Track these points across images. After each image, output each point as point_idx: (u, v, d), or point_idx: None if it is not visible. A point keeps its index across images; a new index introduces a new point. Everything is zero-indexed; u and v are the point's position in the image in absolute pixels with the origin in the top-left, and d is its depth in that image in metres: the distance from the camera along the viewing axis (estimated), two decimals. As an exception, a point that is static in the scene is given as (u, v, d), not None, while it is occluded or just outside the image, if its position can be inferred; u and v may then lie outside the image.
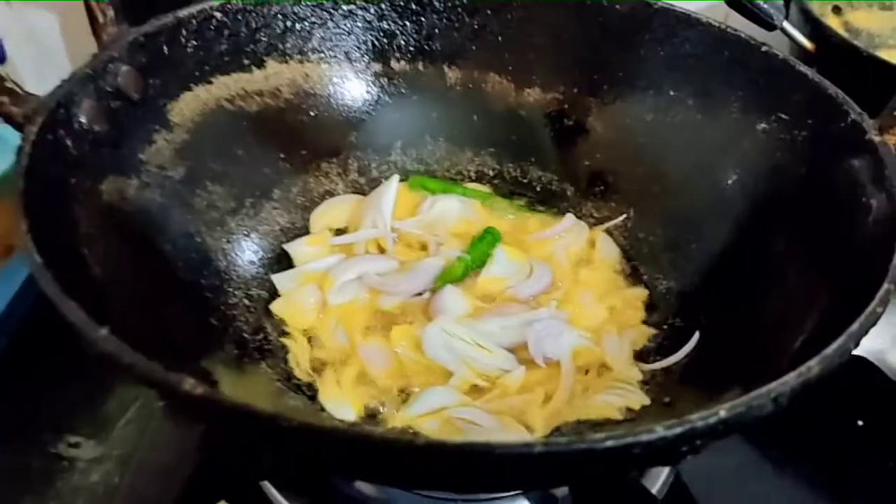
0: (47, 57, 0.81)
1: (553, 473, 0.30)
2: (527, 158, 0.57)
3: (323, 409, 0.42)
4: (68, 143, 0.41)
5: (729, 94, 0.50)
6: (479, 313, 0.46)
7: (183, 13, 0.49)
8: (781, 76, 0.48)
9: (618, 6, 0.54)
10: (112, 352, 0.29)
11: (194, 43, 0.50)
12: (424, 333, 0.44)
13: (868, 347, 0.52)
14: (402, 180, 0.55)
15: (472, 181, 0.57)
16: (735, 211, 0.47)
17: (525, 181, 0.57)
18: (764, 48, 0.49)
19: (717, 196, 0.49)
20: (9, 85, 0.40)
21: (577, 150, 0.56)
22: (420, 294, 0.48)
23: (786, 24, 0.55)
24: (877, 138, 0.41)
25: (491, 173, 0.58)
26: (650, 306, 0.49)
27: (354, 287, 0.48)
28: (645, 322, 0.48)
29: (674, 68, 0.52)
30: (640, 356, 0.46)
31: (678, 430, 0.28)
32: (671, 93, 0.52)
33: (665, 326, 0.48)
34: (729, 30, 0.50)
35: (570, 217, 0.54)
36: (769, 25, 0.55)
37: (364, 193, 0.55)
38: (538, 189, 0.57)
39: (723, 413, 0.28)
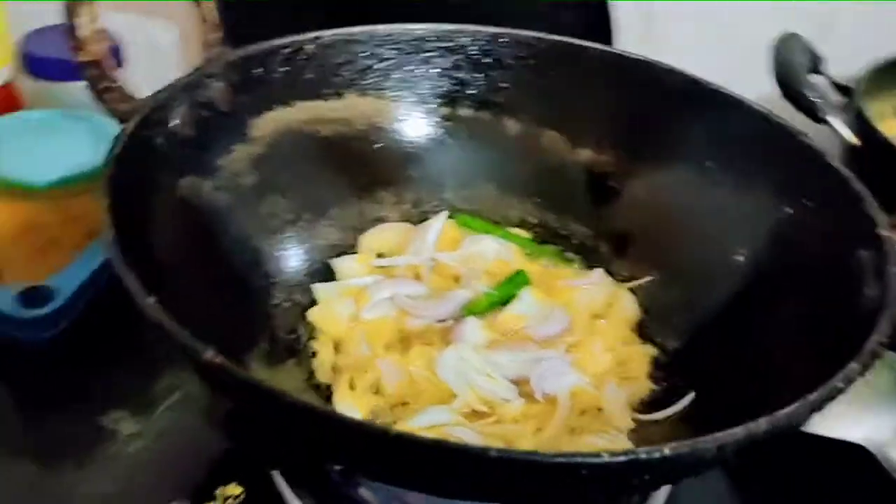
0: (163, 66, 0.90)
1: (510, 484, 0.34)
2: (568, 212, 0.61)
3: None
4: (158, 141, 0.48)
5: (764, 176, 0.53)
6: (493, 345, 0.50)
7: (278, 42, 0.56)
8: (814, 166, 0.51)
9: (675, 82, 0.58)
10: (155, 318, 0.35)
11: (284, 69, 0.56)
12: (441, 356, 0.48)
13: (871, 437, 0.53)
14: (449, 217, 0.60)
15: (515, 226, 0.61)
16: (746, 281, 0.50)
17: (564, 233, 0.61)
18: (803, 138, 0.52)
19: (734, 267, 0.52)
20: (117, 85, 0.46)
21: (615, 210, 0.60)
22: (444, 321, 0.52)
23: (830, 118, 0.58)
24: (884, 233, 0.44)
25: (533, 221, 0.62)
26: (656, 363, 0.52)
27: (386, 306, 0.52)
28: (649, 377, 0.51)
29: (717, 145, 0.56)
30: (637, 407, 0.49)
31: (622, 458, 0.31)
32: (709, 166, 0.55)
33: (665, 383, 0.50)
34: (774, 118, 0.54)
35: (598, 272, 0.57)
36: (816, 118, 0.57)
37: (414, 223, 0.60)
38: (574, 242, 0.61)
39: (667, 451, 0.31)
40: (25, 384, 0.56)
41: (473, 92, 0.62)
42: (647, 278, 0.57)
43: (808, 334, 0.44)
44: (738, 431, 0.33)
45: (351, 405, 0.46)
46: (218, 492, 0.49)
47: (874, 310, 0.40)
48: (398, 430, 0.31)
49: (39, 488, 0.49)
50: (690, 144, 0.57)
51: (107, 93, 0.46)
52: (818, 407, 0.35)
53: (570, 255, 0.60)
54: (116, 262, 0.36)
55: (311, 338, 0.51)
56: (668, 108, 0.58)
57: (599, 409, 0.48)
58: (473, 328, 0.51)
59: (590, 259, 0.60)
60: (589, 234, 0.61)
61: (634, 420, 0.48)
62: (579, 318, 0.53)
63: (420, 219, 0.61)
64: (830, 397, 0.35)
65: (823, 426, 0.50)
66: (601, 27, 0.78)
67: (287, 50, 0.56)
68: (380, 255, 0.57)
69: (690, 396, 0.48)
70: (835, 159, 0.49)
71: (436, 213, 0.61)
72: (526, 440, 0.45)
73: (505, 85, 0.62)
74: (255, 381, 0.32)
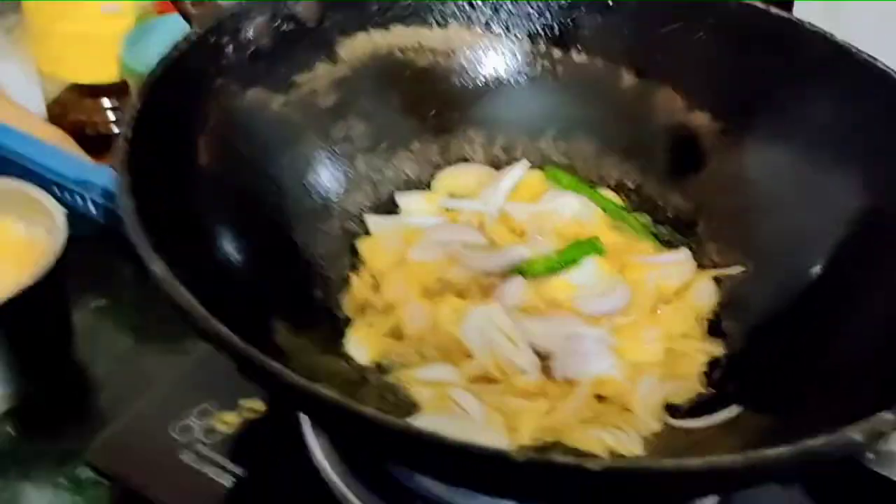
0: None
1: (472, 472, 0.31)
2: (671, 181, 0.55)
3: (342, 343, 0.45)
4: (228, 49, 0.47)
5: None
6: (532, 312, 0.46)
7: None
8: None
9: (820, 48, 0.50)
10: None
11: (382, -12, 0.54)
12: (471, 312, 0.45)
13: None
14: (542, 168, 0.56)
15: (610, 188, 0.56)
16: (827, 289, 0.43)
17: (661, 204, 0.55)
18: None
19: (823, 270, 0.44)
20: (194, -11, 0.47)
21: (720, 186, 0.53)
22: (491, 276, 0.49)
23: None
24: None
25: (631, 185, 0.56)
26: (716, 364, 0.46)
27: (436, 250, 0.50)
28: (701, 378, 0.45)
29: (850, 127, 0.47)
30: (672, 409, 0.44)
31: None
32: (829, 153, 0.47)
33: (715, 389, 0.44)
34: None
35: (683, 251, 0.51)
36: None
37: (499, 169, 0.57)
38: (670, 215, 0.54)
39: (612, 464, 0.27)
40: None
41: (588, 34, 0.56)
42: (738, 268, 0.50)
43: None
44: (739, 458, 0.27)
45: (361, 345, 0.45)
46: (241, 402, 0.50)
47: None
48: (359, 409, 0.28)
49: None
50: (819, 123, 0.48)
51: (182, -4, 0.46)
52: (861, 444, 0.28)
53: (662, 228, 0.54)
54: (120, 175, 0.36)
55: (353, 268, 0.50)
56: (803, 76, 0.50)
57: (625, 403, 0.43)
58: (517, 289, 0.47)
59: (684, 236, 0.53)
60: (689, 208, 0.54)
61: (666, 423, 0.42)
62: (643, 298, 0.48)
63: (509, 164, 0.57)
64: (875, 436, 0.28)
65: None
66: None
67: (390, -29, 0.53)
68: (452, 196, 0.55)
69: (735, 409, 0.41)
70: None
71: (529, 160, 0.57)
72: (528, 418, 0.41)
73: (625, 31, 0.56)
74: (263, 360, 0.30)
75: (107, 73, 0.74)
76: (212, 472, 0.47)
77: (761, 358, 0.45)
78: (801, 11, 0.66)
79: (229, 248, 0.42)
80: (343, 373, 0.44)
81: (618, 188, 0.56)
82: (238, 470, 0.47)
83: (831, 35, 0.49)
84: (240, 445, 0.48)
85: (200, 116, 0.45)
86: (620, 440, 0.40)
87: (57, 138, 0.75)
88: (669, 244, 0.53)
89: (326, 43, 0.53)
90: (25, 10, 0.76)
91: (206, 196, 0.43)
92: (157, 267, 0.31)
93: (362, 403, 0.36)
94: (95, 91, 0.77)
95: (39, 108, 0.80)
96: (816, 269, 0.45)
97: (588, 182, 0.56)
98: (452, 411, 0.41)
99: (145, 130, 0.38)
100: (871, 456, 0.45)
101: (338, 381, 0.42)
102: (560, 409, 0.41)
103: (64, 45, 0.75)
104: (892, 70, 0.46)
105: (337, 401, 0.29)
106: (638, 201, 0.56)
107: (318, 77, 0.53)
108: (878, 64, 0.47)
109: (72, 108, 0.79)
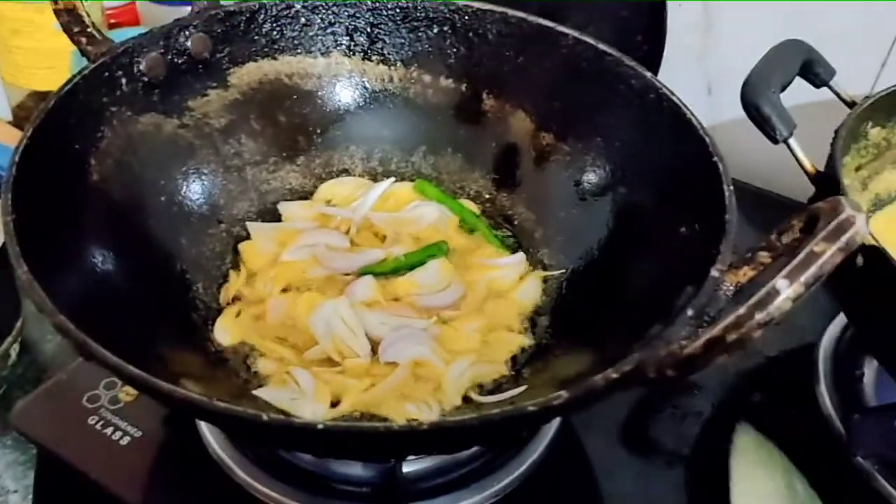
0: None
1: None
2: (519, 194, 0.63)
3: (210, 329, 0.54)
4: (122, 81, 0.56)
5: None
6: (374, 306, 0.55)
7: (268, 1, 0.62)
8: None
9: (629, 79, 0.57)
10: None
11: (270, 25, 0.62)
12: (320, 305, 0.54)
13: None
14: (411, 180, 0.65)
15: (470, 198, 0.65)
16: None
17: (509, 213, 0.63)
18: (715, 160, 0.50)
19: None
20: (90, 29, 0.55)
21: (557, 199, 0.61)
22: (347, 275, 0.58)
23: (791, 142, 0.54)
24: (716, 273, 0.43)
25: (487, 196, 0.65)
26: (523, 350, 0.54)
27: (305, 251, 0.59)
28: (508, 364, 0.54)
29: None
30: (481, 388, 0.52)
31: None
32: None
33: (516, 374, 0.53)
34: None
35: (519, 256, 0.59)
36: (773, 139, 0.55)
37: (376, 180, 0.65)
38: (515, 223, 0.63)
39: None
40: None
41: (453, 63, 0.64)
42: (561, 271, 0.58)
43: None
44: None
45: (226, 330, 0.54)
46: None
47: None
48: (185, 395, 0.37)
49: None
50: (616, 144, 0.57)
51: (80, 35, 0.54)
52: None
53: (510, 235, 0.62)
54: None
55: (234, 266, 0.59)
56: (616, 104, 0.58)
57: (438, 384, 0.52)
58: (365, 286, 0.56)
59: (526, 242, 0.62)
60: (532, 218, 0.62)
61: (466, 398, 0.51)
62: (475, 296, 0.57)
63: (385, 176, 0.66)
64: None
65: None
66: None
67: (275, 8, 0.62)
68: (328, 205, 0.63)
69: (520, 389, 0.50)
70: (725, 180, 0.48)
71: (403, 172, 0.66)
72: (352, 393, 0.50)
73: (485, 59, 0.64)
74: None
75: (62, 81, 0.83)
76: (113, 433, 0.57)
77: (558, 349, 0.53)
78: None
79: (111, 253, 0.50)
80: (207, 355, 0.53)
81: (476, 198, 0.65)
82: (135, 432, 0.56)
83: (642, 69, 0.57)
84: (137, 412, 0.58)
85: (93, 140, 0.53)
86: (422, 411, 0.49)
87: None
88: (515, 248, 0.62)
89: (218, 72, 0.61)
90: (-13, 24, 0.85)
91: (94, 210, 0.51)
92: (21, 272, 0.40)
93: (217, 380, 0.46)
94: (52, 97, 0.86)
95: (5, 112, 0.90)
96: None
97: (451, 193, 0.65)
98: (290, 386, 0.50)
99: (33, 158, 0.47)
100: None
101: (199, 363, 0.51)
102: (379, 387, 0.50)
103: (23, 57, 0.85)
104: (684, 106, 0.54)
105: (153, 383, 0.38)
106: (492, 210, 0.64)
107: (211, 102, 0.61)
108: (674, 99, 0.55)
109: (34, 113, 0.88)
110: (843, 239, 0.35)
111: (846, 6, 0.73)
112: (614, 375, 0.38)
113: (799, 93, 0.60)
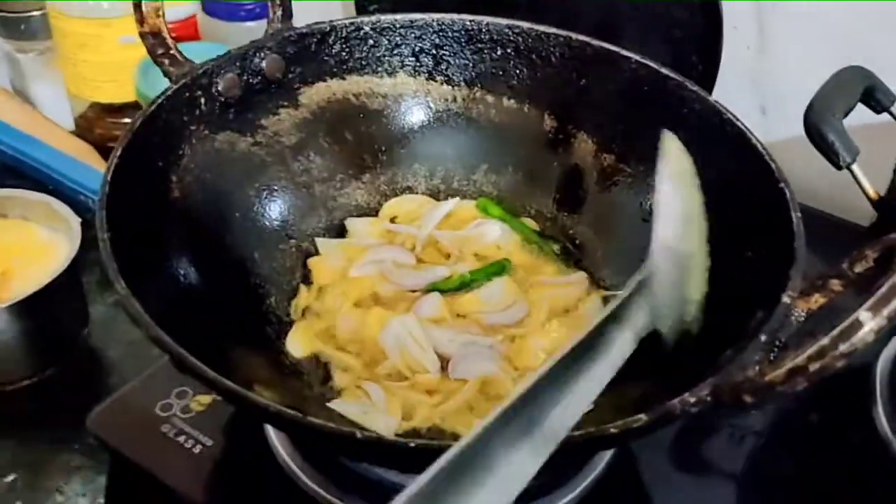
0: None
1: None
2: (581, 213, 0.65)
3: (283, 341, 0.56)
4: (201, 101, 0.58)
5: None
6: (441, 322, 0.57)
7: (338, 22, 0.64)
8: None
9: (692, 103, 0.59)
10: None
11: (339, 46, 0.64)
12: (390, 321, 0.56)
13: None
14: (473, 198, 0.66)
15: (531, 217, 0.66)
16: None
17: (571, 232, 0.65)
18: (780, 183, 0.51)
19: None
20: (172, 51, 0.57)
21: (622, 223, 0.62)
22: (414, 291, 0.59)
23: (854, 167, 0.55)
24: (787, 300, 0.44)
25: (548, 215, 0.66)
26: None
27: (373, 267, 0.60)
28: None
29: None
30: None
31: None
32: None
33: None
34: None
35: (580, 275, 0.61)
36: (837, 165, 0.55)
37: (438, 199, 0.67)
38: (577, 242, 0.64)
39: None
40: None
41: (517, 84, 0.66)
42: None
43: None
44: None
45: (298, 342, 0.56)
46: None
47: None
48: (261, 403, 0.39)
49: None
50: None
51: (163, 57, 0.57)
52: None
53: (568, 255, 0.64)
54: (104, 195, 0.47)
55: (304, 280, 0.61)
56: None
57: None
58: (432, 303, 0.57)
59: (586, 261, 0.63)
60: (593, 237, 0.64)
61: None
62: (538, 314, 0.58)
63: (448, 194, 0.67)
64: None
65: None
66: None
67: (344, 30, 0.64)
68: (393, 222, 0.65)
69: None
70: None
71: (464, 191, 0.67)
72: (423, 409, 0.52)
73: (547, 83, 0.65)
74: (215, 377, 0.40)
75: (125, 94, 0.86)
76: (185, 441, 0.58)
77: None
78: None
79: (192, 268, 0.52)
80: (281, 367, 0.55)
81: (537, 217, 0.66)
82: (206, 440, 0.58)
83: (705, 94, 0.58)
84: (209, 421, 0.59)
85: (174, 158, 0.56)
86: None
87: (83, 150, 0.87)
88: (576, 266, 0.63)
89: (289, 92, 0.63)
90: (55, 38, 0.88)
91: (175, 225, 0.53)
92: (120, 287, 0.42)
93: (290, 391, 0.47)
94: (115, 109, 0.89)
95: (68, 122, 0.93)
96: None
97: (512, 211, 0.66)
98: (362, 399, 0.52)
99: (122, 176, 0.49)
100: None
101: (274, 374, 0.53)
102: (449, 403, 0.52)
103: (88, 70, 0.88)
104: (748, 131, 0.55)
105: (250, 399, 0.40)
106: (553, 229, 0.65)
107: (282, 120, 0.63)
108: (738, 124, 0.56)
109: (95, 124, 0.91)
110: (929, 273, 0.36)
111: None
112: (691, 400, 0.39)
113: (861, 116, 0.61)
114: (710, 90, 0.78)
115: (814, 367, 0.36)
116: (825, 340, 0.36)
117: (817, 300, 0.44)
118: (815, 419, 0.64)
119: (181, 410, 0.60)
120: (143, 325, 0.41)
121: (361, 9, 0.90)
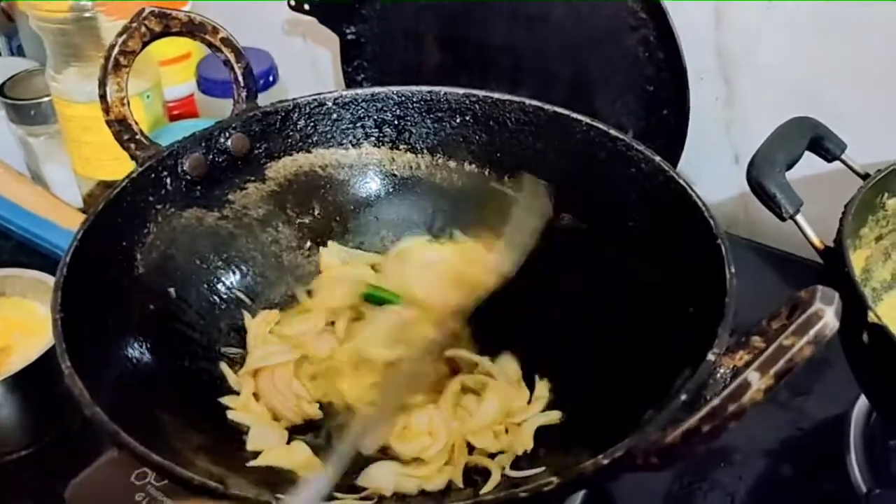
0: (320, 85, 1.06)
1: None
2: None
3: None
4: (167, 181, 0.61)
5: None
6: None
7: (301, 99, 0.67)
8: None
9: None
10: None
11: (304, 122, 0.67)
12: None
13: None
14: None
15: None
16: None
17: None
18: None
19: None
20: (138, 136, 0.61)
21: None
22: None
23: (798, 218, 0.56)
24: (711, 357, 0.44)
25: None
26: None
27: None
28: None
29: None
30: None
31: None
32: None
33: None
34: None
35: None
36: (780, 216, 0.56)
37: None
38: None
39: None
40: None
41: (476, 150, 0.68)
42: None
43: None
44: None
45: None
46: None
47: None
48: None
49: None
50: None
51: (129, 142, 0.60)
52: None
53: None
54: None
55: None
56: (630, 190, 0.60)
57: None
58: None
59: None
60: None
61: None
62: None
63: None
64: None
65: None
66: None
67: (308, 107, 0.67)
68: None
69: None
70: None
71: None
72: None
73: (507, 146, 0.67)
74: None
75: (127, 171, 0.89)
76: (157, 510, 0.60)
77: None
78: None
79: (149, 345, 0.55)
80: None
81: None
82: (176, 507, 0.60)
83: (651, 153, 0.59)
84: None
85: (139, 237, 0.58)
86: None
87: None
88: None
89: (256, 167, 0.66)
90: (60, 122, 0.93)
91: (138, 301, 0.56)
92: (64, 367, 0.45)
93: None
94: (119, 186, 0.93)
95: (77, 200, 0.97)
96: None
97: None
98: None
99: (81, 260, 0.52)
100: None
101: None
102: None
103: (92, 151, 0.92)
104: (689, 188, 0.56)
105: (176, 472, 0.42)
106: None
107: (249, 194, 0.66)
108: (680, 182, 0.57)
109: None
110: (812, 333, 0.36)
111: (862, 73, 0.74)
112: (604, 462, 0.40)
113: (813, 164, 0.62)
114: (681, 142, 0.79)
115: (706, 427, 0.36)
116: (716, 401, 0.36)
117: (742, 357, 0.45)
118: (789, 471, 0.64)
119: (155, 479, 0.62)
120: (84, 404, 0.43)
121: (350, 81, 0.94)
